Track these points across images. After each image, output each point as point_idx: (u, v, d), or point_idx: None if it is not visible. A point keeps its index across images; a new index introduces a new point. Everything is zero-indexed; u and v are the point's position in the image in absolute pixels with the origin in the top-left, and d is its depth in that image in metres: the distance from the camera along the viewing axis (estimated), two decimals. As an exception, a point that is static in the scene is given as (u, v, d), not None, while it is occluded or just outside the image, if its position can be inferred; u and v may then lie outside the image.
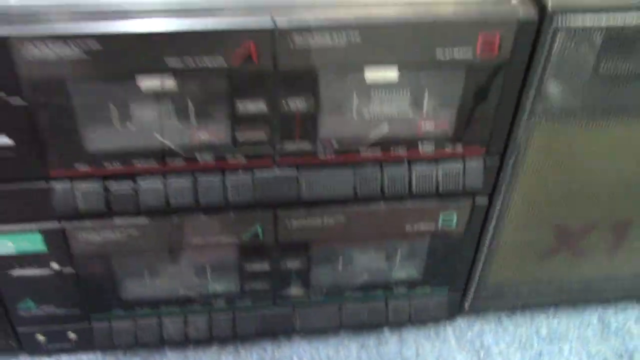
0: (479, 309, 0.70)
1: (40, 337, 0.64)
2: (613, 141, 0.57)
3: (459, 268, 0.65)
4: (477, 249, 0.64)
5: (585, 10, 0.48)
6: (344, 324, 0.67)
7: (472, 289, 0.68)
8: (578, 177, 0.59)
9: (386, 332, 0.69)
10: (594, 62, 0.51)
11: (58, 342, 0.65)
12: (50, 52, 0.45)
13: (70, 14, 0.45)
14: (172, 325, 0.64)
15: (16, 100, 0.47)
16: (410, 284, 0.66)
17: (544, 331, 0.70)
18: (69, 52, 0.45)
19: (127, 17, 0.45)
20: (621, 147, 0.58)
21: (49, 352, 0.66)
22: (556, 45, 0.49)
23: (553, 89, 0.52)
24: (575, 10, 0.48)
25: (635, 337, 0.70)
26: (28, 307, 0.61)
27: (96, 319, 0.63)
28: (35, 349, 0.65)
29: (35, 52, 0.45)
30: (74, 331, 0.64)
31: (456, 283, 0.67)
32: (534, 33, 0.49)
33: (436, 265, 0.65)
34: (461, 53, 0.49)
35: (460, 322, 0.71)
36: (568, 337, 0.70)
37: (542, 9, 0.48)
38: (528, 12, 0.48)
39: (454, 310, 0.69)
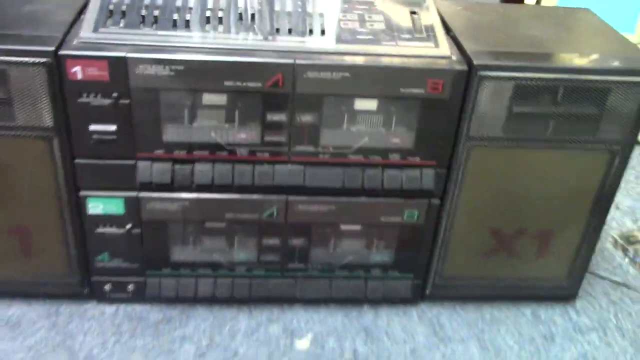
0: (437, 297, 0.92)
1: (107, 287, 0.87)
2: (529, 164, 0.80)
3: (420, 258, 0.87)
4: (433, 243, 0.86)
5: (499, 68, 0.73)
6: (333, 296, 0.89)
7: (431, 278, 0.89)
8: (505, 190, 0.82)
9: (365, 307, 0.91)
10: (507, 104, 0.75)
11: (119, 292, 0.87)
12: (151, 69, 0.70)
13: (165, 46, 0.71)
14: (204, 285, 0.87)
15: (124, 100, 0.72)
16: (384, 268, 0.88)
17: (487, 317, 0.91)
18: (163, 71, 0.71)
19: (201, 52, 0.71)
20: (535, 170, 0.81)
21: (111, 301, 0.88)
22: (479, 89, 0.74)
23: (480, 120, 0.76)
24: (491, 67, 0.73)
25: (558, 325, 0.90)
26: (103, 260, 0.84)
27: (150, 275, 0.86)
28: (102, 296, 0.87)
29: (141, 68, 0.70)
30: (132, 283, 0.87)
31: (418, 271, 0.89)
32: (464, 80, 0.73)
33: (403, 254, 0.87)
34: (416, 91, 0.74)
35: (422, 306, 0.92)
36: (506, 322, 0.90)
37: (470, 64, 0.73)
38: (461, 66, 0.73)
39: (417, 295, 0.91)
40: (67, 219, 0.80)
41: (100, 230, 0.82)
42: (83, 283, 0.86)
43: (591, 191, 0.84)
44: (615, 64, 0.75)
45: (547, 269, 0.90)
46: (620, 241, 1.06)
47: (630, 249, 1.05)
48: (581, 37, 0.85)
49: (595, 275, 0.99)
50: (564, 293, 0.94)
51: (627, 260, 1.04)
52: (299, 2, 0.77)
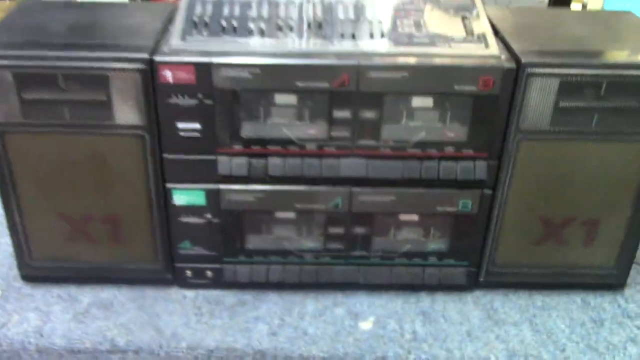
0: (490, 284, 0.98)
1: (188, 273, 0.96)
2: (575, 155, 0.86)
3: (474, 246, 0.94)
4: (486, 232, 0.93)
5: (545, 65, 0.80)
6: (393, 282, 0.96)
7: (484, 266, 0.96)
8: (553, 180, 0.88)
9: (422, 294, 0.98)
10: (553, 98, 0.82)
11: (199, 278, 0.96)
12: (232, 73, 0.80)
13: (244, 52, 0.80)
14: (275, 271, 0.95)
15: (208, 101, 0.82)
16: (440, 256, 0.95)
17: (538, 303, 0.96)
18: (242, 74, 0.80)
19: (275, 56, 0.80)
20: (581, 161, 0.87)
21: (191, 286, 0.97)
22: (527, 86, 0.81)
23: (528, 115, 0.83)
24: (538, 64, 0.80)
25: (607, 311, 0.95)
26: (185, 247, 0.94)
27: (226, 262, 0.95)
28: (184, 282, 0.97)
29: (224, 72, 0.80)
30: (210, 270, 0.96)
31: (473, 259, 0.95)
32: (514, 77, 0.81)
33: (458, 242, 0.93)
34: (469, 88, 0.81)
35: (477, 292, 0.98)
36: (556, 307, 0.96)
37: (518, 62, 0.80)
38: (510, 64, 0.80)
39: (471, 282, 0.97)
40: (155, 209, 0.90)
41: (184, 219, 0.91)
42: (167, 269, 0.95)
43: (635, 181, 0.89)
44: (655, 60, 0.81)
45: (595, 257, 0.95)
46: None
47: (678, 242, 1.08)
48: (623, 36, 0.91)
49: (644, 266, 1.03)
50: (612, 281, 0.98)
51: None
52: (360, 10, 0.86)
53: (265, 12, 0.86)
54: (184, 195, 0.89)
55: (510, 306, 0.96)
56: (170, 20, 0.89)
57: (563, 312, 0.95)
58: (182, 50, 0.81)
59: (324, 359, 0.87)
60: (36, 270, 0.95)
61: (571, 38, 0.87)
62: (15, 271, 0.97)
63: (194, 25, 0.84)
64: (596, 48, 0.84)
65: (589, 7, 1.42)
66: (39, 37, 0.84)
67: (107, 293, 0.96)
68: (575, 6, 1.43)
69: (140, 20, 0.89)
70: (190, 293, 0.97)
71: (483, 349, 0.88)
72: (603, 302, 0.97)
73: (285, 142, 0.85)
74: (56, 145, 0.85)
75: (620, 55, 0.83)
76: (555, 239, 0.94)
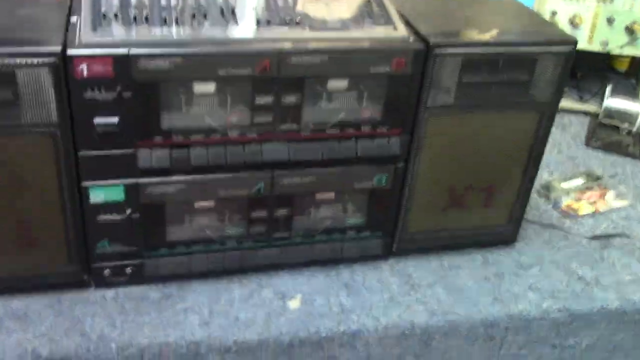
0: (402, 251, 1.04)
1: (107, 272, 0.92)
2: (478, 127, 0.94)
3: (388, 217, 1.00)
4: (399, 203, 0.99)
5: (451, 44, 0.86)
6: (313, 259, 0.99)
7: (397, 235, 1.02)
8: (457, 152, 0.96)
9: (341, 267, 1.02)
10: (458, 75, 0.89)
11: (117, 276, 0.93)
12: (152, 64, 0.77)
13: (161, 42, 0.78)
14: (198, 261, 0.94)
15: (127, 94, 0.79)
16: (357, 229, 0.99)
17: (446, 264, 1.04)
18: (163, 64, 0.78)
19: (195, 45, 0.79)
20: (481, 132, 0.95)
21: (110, 285, 0.93)
22: (436, 64, 0.86)
23: (436, 91, 0.89)
24: (445, 45, 0.86)
25: (505, 264, 1.05)
26: (103, 246, 0.90)
27: (147, 257, 0.93)
28: (102, 282, 0.93)
29: (143, 63, 0.77)
30: (130, 266, 0.93)
31: (387, 229, 1.01)
32: (423, 57, 0.86)
33: (373, 215, 0.98)
34: (384, 69, 0.85)
35: (391, 261, 1.04)
36: (462, 266, 1.04)
37: (426, 43, 0.86)
38: (419, 46, 0.86)
39: (386, 251, 1.03)
40: (68, 210, 0.85)
41: (101, 217, 0.87)
42: (83, 270, 0.91)
43: (525, 148, 0.99)
44: (540, 38, 0.91)
45: (491, 218, 1.05)
46: (542, 191, 1.23)
47: (551, 197, 1.22)
48: (509, 18, 1.00)
49: (529, 221, 1.15)
50: (506, 238, 1.09)
51: (550, 206, 1.21)
52: (272, -3, 0.86)
53: (172, 0, 0.83)
54: (101, 193, 0.86)
55: (422, 270, 1.03)
56: (69, 10, 0.84)
57: (468, 270, 1.04)
58: (96, 42, 0.77)
59: (260, 341, 0.89)
60: None
61: (466, 20, 0.94)
62: None
63: (102, 16, 0.80)
64: (489, 28, 0.92)
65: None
66: None
67: (18, 302, 0.90)
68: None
69: (35, 11, 0.83)
70: (109, 292, 0.93)
71: (405, 312, 0.94)
72: (500, 257, 1.07)
73: (208, 131, 0.84)
74: (-45, 149, 0.78)
75: (510, 34, 0.91)
76: (459, 205, 1.02)
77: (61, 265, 0.90)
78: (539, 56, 0.90)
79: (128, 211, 0.88)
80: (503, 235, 1.08)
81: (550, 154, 1.37)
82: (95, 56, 0.76)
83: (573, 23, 1.51)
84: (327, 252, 0.99)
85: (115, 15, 0.80)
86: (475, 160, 0.98)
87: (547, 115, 0.96)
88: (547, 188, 1.24)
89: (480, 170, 0.99)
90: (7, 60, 0.73)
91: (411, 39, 0.87)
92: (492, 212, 1.04)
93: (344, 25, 0.86)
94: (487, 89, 0.91)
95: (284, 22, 0.84)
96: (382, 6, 0.90)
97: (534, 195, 1.22)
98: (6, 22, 0.80)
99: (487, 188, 1.02)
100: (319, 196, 0.95)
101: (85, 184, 0.84)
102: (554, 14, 1.52)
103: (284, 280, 0.98)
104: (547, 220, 1.17)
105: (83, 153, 0.82)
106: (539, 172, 1.03)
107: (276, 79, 0.82)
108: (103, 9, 0.80)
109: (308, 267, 1.01)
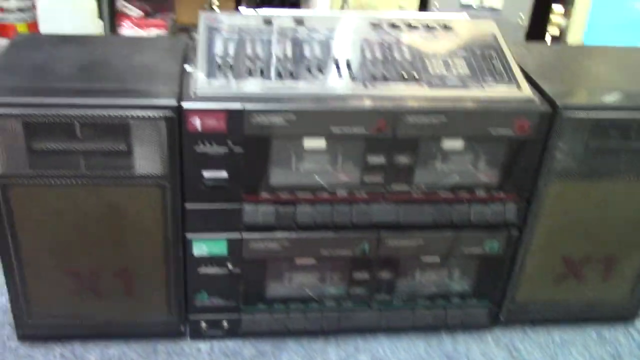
0: (509, 322, 0.97)
1: (203, 324, 0.90)
2: (602, 195, 0.87)
3: (497, 285, 0.93)
4: (510, 271, 0.92)
5: (580, 108, 0.80)
6: (415, 325, 0.94)
7: (505, 304, 0.95)
8: (576, 220, 0.88)
9: (443, 334, 0.96)
10: (585, 140, 0.82)
11: (214, 329, 0.91)
12: (265, 119, 0.75)
13: (276, 96, 0.76)
14: (295, 319, 0.91)
15: (238, 149, 0.77)
16: (462, 296, 0.93)
17: (557, 339, 0.97)
18: (276, 120, 0.76)
19: (309, 101, 0.76)
20: (608, 201, 0.88)
21: (206, 338, 0.92)
22: (563, 128, 0.80)
23: (561, 157, 0.83)
24: (573, 108, 0.80)
25: (623, 344, 0.96)
26: (202, 298, 0.88)
27: (245, 311, 0.90)
28: (198, 334, 0.91)
29: (257, 119, 0.75)
30: (227, 320, 0.90)
31: (495, 298, 0.94)
32: (549, 121, 0.80)
33: (481, 282, 0.92)
34: (505, 131, 0.80)
35: (497, 331, 0.97)
36: (575, 343, 0.96)
37: (554, 106, 0.80)
38: (545, 108, 0.80)
39: (492, 321, 0.96)
40: (171, 261, 0.84)
41: (202, 270, 0.86)
42: (180, 321, 0.90)
43: (653, 218, 0.91)
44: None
45: (611, 291, 0.97)
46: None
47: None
48: (638, 71, 0.92)
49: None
50: (625, 314, 1.00)
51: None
52: (388, 50, 0.83)
53: (290, 51, 0.81)
54: (204, 246, 0.84)
55: (530, 344, 0.95)
56: (184, 58, 0.84)
57: (582, 347, 0.96)
58: (210, 96, 0.76)
59: (357, 411, 0.84)
60: (36, 329, 0.88)
61: (592, 76, 0.88)
62: (9, 330, 0.89)
63: (217, 67, 0.79)
64: (619, 85, 0.85)
65: (569, 34, 1.44)
66: (47, 81, 0.77)
67: (115, 349, 0.89)
68: (552, 30, 1.45)
69: (151, 59, 0.83)
70: (204, 345, 0.91)
71: (513, 392, 0.87)
72: (617, 335, 0.98)
73: (315, 189, 0.81)
74: (66, 197, 0.78)
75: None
76: (575, 276, 0.94)
77: (159, 315, 0.89)
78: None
79: (229, 265, 0.86)
80: (622, 310, 0.99)
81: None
82: (209, 110, 0.74)
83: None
84: (430, 319, 0.94)
85: (231, 67, 0.79)
86: (596, 230, 0.90)
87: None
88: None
89: (601, 241, 0.91)
90: (123, 112, 0.73)
91: (537, 100, 0.81)
92: (611, 285, 0.96)
93: (463, 82, 0.82)
94: (615, 155, 0.84)
95: (402, 78, 0.81)
96: (504, 61, 0.85)
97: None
98: (123, 70, 0.80)
99: (607, 259, 0.94)
100: (425, 259, 0.90)
101: (189, 236, 0.83)
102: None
103: (381, 345, 0.93)
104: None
105: (190, 205, 0.81)
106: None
107: (390, 138, 0.79)
108: (218, 59, 0.79)
109: (408, 333, 0.95)
